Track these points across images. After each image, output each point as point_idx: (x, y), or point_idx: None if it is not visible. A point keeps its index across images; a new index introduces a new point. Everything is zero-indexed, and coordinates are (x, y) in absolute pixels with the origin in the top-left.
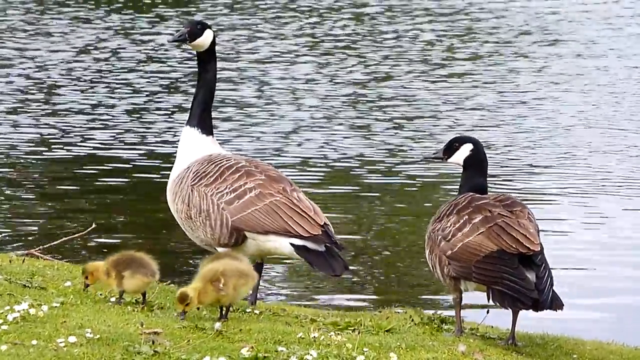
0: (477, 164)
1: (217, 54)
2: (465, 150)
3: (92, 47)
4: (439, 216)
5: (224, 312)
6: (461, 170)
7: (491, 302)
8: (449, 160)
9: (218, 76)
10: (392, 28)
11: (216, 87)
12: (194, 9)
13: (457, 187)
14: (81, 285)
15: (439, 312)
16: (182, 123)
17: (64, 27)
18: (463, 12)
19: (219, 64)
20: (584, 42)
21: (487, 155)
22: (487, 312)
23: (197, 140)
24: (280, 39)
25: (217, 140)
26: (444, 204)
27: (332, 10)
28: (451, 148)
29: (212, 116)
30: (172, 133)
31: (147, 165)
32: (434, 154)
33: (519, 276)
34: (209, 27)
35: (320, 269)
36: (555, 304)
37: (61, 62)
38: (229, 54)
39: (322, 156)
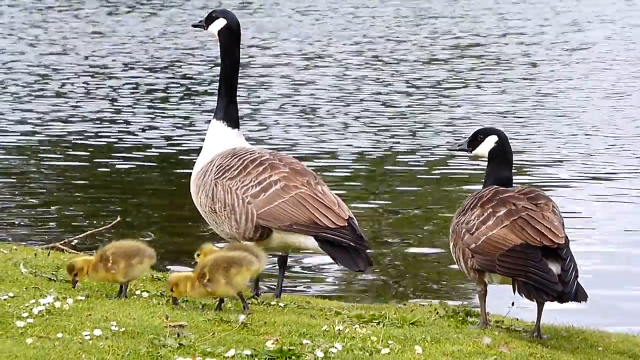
0: (502, 156)
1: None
2: (490, 142)
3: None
4: (463, 209)
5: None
6: (486, 162)
7: (517, 294)
8: (473, 152)
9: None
10: (416, 30)
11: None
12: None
13: (482, 179)
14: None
15: (463, 304)
16: (206, 118)
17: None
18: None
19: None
20: (615, 41)
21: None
22: (512, 304)
23: (222, 134)
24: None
25: (243, 133)
26: (468, 197)
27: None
28: (476, 140)
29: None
30: (199, 127)
31: (173, 159)
32: (458, 146)
33: (543, 269)
34: (226, 16)
35: (344, 264)
36: (580, 295)
37: (92, 54)
38: (254, 54)
39: (344, 149)
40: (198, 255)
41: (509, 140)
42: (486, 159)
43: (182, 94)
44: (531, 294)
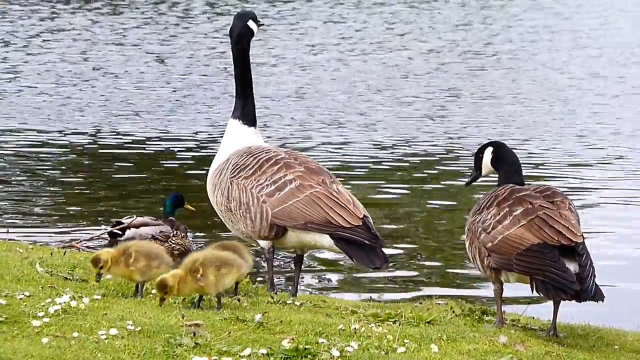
0: (505, 162)
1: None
2: (488, 155)
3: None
4: (479, 208)
5: (216, 302)
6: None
7: (535, 293)
8: (483, 172)
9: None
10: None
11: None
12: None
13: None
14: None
15: (479, 303)
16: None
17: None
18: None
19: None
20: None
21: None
22: (529, 303)
23: (238, 132)
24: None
25: (260, 131)
26: (484, 196)
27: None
28: (478, 160)
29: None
30: (217, 127)
31: (190, 158)
32: (471, 177)
33: (561, 268)
34: (235, 19)
35: (360, 262)
36: (597, 295)
37: (101, 56)
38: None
39: (360, 148)
40: None
41: (508, 146)
42: (495, 172)
43: (200, 93)
44: (549, 293)
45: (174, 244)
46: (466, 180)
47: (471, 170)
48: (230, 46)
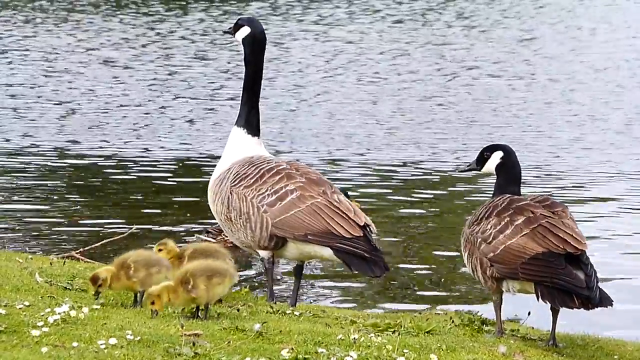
0: (508, 171)
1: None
2: (496, 158)
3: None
4: (477, 219)
5: (203, 313)
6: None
7: (540, 302)
8: (482, 169)
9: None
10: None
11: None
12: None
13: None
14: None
15: (479, 313)
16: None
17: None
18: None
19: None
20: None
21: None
22: (529, 313)
23: (241, 141)
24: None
25: (264, 141)
26: (480, 207)
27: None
28: (483, 158)
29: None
30: (216, 135)
31: (190, 168)
32: (467, 165)
33: (569, 274)
34: (251, 25)
35: (360, 272)
36: (605, 300)
37: (100, 64)
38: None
39: (362, 159)
40: (160, 250)
41: (515, 156)
42: (494, 175)
43: (200, 101)
44: (556, 300)
45: (226, 237)
46: (462, 167)
47: (470, 162)
48: (246, 52)
